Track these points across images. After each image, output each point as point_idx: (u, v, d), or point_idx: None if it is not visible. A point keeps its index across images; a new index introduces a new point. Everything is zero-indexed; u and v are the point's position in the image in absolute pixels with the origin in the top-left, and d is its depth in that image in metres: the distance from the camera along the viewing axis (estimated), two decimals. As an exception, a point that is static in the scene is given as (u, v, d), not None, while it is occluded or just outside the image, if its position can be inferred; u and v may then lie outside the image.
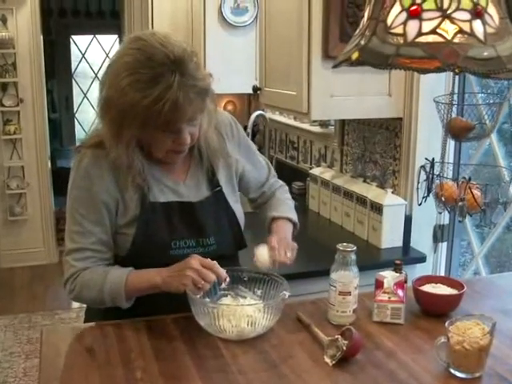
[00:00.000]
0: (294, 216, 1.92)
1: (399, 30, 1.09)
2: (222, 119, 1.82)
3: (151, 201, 1.67)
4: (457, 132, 2.02)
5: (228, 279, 1.60)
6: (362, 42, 1.13)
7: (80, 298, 1.68)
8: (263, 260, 1.70)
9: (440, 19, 1.08)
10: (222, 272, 1.57)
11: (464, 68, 1.04)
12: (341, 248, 1.68)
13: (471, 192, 1.98)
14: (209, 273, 1.54)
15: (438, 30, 1.06)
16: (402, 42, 1.08)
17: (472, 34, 1.05)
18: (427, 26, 1.07)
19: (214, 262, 1.57)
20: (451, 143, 2.47)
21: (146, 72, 1.47)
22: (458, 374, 1.42)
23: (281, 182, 2.06)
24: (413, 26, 1.08)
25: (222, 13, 3.93)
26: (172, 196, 1.71)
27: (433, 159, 2.07)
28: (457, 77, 2.29)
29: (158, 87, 1.46)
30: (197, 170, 1.77)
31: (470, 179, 1.98)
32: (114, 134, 1.57)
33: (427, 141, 2.52)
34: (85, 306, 1.89)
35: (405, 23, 1.09)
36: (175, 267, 1.58)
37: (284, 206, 1.95)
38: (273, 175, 2.02)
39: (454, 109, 2.11)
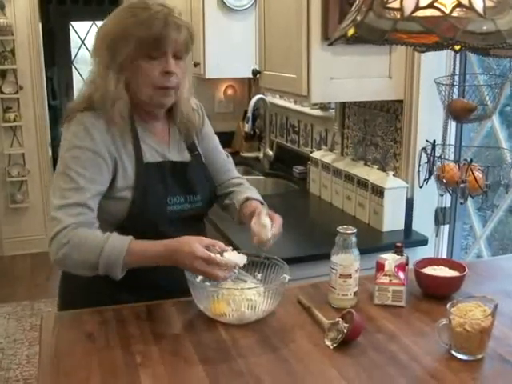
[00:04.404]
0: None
1: (396, 4, 1.06)
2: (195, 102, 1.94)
3: (145, 162, 1.73)
4: (458, 113, 2.00)
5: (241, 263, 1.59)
6: (359, 18, 1.11)
7: (68, 257, 1.59)
8: (266, 232, 1.65)
9: (438, -8, 1.06)
10: (231, 264, 1.56)
11: (463, 43, 1.02)
12: (341, 230, 1.67)
13: (473, 174, 1.96)
14: (215, 271, 1.53)
15: (435, 4, 1.03)
16: (398, 16, 1.05)
17: (471, 8, 1.02)
18: (425, 0, 1.05)
19: (218, 255, 1.55)
20: (452, 125, 2.45)
21: (141, 6, 1.67)
22: (460, 356, 1.41)
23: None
24: (410, 0, 1.05)
25: (221, -4, 3.91)
26: (161, 158, 1.78)
27: (434, 141, 2.06)
28: (458, 58, 2.26)
29: (150, 12, 1.64)
30: (175, 136, 1.85)
31: (471, 161, 1.97)
32: (106, 63, 1.67)
33: (428, 123, 2.50)
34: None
35: (402, -3, 1.07)
36: (178, 248, 1.55)
37: (254, 192, 1.95)
38: (233, 166, 2.05)
39: (455, 90, 2.09)
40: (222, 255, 1.55)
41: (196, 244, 1.53)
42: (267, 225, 1.66)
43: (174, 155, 1.81)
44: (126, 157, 1.70)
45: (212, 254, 1.52)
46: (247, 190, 1.94)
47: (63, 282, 1.89)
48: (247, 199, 1.86)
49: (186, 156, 1.84)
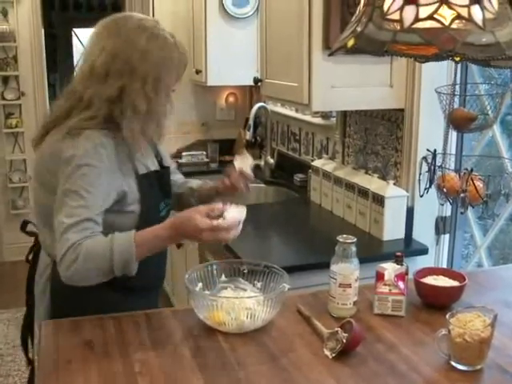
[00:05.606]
0: None
1: (396, 15, 1.07)
2: None
3: (140, 173, 1.78)
4: (459, 123, 2.00)
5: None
6: (358, 29, 1.11)
7: (81, 271, 1.55)
8: (247, 163, 1.85)
9: (437, 4, 1.06)
10: (235, 223, 1.58)
11: (462, 54, 1.02)
12: (341, 240, 1.66)
13: (473, 183, 1.96)
14: (223, 236, 1.57)
15: (435, 16, 1.04)
16: (398, 28, 1.06)
17: (470, 20, 1.03)
18: (424, 12, 1.05)
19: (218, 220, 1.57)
20: (453, 134, 2.45)
21: (164, 33, 1.76)
22: (459, 367, 1.41)
23: None
24: (409, 12, 1.06)
25: (223, 4, 3.93)
26: (146, 169, 1.83)
27: (435, 150, 2.06)
28: (459, 67, 2.26)
29: (175, 39, 1.78)
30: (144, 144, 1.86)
31: (472, 170, 1.97)
32: (153, 85, 1.70)
33: (429, 132, 2.50)
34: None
35: (401, 9, 1.07)
36: (182, 225, 1.59)
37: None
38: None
39: (456, 99, 2.09)
40: (222, 215, 1.56)
41: (197, 216, 1.56)
42: (249, 157, 1.86)
43: (150, 164, 1.87)
44: (128, 172, 1.73)
45: (215, 222, 1.54)
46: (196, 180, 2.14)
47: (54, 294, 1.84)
48: (204, 183, 2.08)
49: (156, 163, 1.91)
